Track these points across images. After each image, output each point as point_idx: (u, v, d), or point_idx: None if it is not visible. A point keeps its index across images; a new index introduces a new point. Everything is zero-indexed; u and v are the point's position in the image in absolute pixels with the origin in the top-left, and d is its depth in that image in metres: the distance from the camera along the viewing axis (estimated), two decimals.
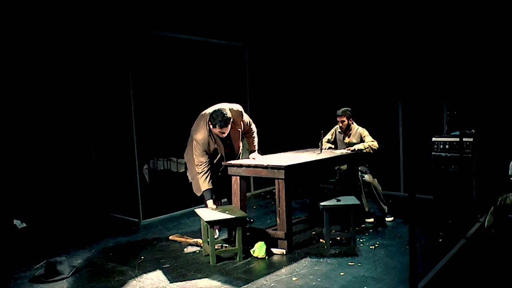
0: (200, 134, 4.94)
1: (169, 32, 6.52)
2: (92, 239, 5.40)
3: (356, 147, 5.81)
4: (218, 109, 4.81)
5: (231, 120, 4.86)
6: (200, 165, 4.95)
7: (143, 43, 6.56)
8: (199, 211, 4.88)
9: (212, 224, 4.46)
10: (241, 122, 5.15)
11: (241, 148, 5.45)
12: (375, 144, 5.84)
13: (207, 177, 4.94)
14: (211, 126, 4.85)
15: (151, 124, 7.03)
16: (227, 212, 4.69)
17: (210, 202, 4.96)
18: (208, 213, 4.71)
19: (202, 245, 4.94)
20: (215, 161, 5.17)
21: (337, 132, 6.18)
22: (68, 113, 6.56)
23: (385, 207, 5.83)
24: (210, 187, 4.95)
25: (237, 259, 4.57)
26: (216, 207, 4.95)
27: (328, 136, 6.22)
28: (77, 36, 6.43)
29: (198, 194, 5.20)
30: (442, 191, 6.16)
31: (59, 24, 6.20)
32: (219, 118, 4.74)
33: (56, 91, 6.38)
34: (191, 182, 5.32)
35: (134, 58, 6.13)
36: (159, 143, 7.32)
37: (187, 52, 7.18)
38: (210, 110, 4.97)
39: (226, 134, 4.89)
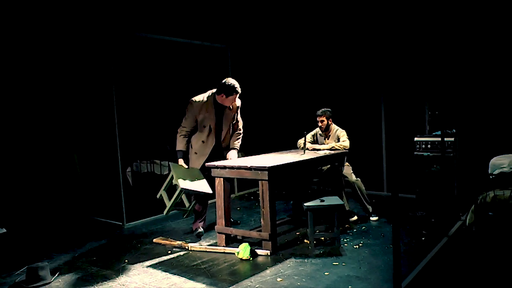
0: (198, 98, 5.33)
1: (152, 34, 6.49)
2: (75, 244, 5.34)
3: (321, 147, 5.92)
4: (225, 81, 5.25)
5: None
6: (183, 128, 5.33)
7: (127, 44, 6.52)
8: (175, 168, 5.11)
9: (186, 192, 4.93)
10: (236, 113, 5.53)
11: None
12: (343, 144, 5.86)
13: (184, 139, 5.35)
14: (223, 97, 5.25)
15: (134, 126, 6.97)
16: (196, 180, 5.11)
17: (181, 161, 5.32)
18: (184, 176, 4.99)
19: (186, 247, 4.95)
20: (205, 139, 5.38)
21: (318, 135, 6.21)
22: (49, 114, 6.48)
23: (369, 207, 5.87)
24: (184, 149, 5.37)
25: (185, 216, 5.18)
26: (187, 168, 5.30)
27: (308, 137, 6.20)
28: (59, 36, 6.36)
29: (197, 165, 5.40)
30: (425, 190, 6.22)
31: (43, 23, 6.13)
32: (232, 85, 5.22)
33: (36, 92, 6.30)
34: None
35: (117, 59, 6.08)
36: (143, 145, 7.26)
37: (170, 53, 7.14)
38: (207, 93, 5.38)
39: (235, 103, 5.39)
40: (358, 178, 5.88)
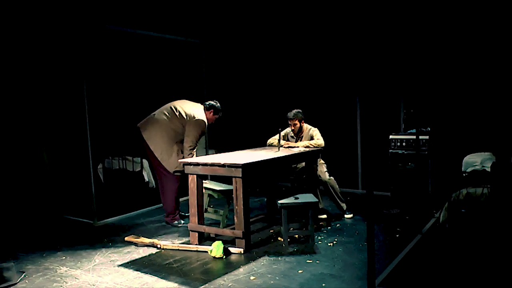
0: (204, 116, 5.78)
1: (124, 27, 6.40)
2: (43, 243, 5.24)
3: (296, 144, 5.91)
4: (215, 102, 5.90)
5: None
6: (195, 147, 5.69)
7: (97, 37, 6.41)
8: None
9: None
10: None
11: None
12: (318, 143, 5.84)
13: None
14: (210, 115, 5.85)
15: (106, 122, 6.88)
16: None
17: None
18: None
19: (158, 245, 4.91)
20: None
21: (289, 136, 6.18)
22: (17, 108, 6.32)
23: (343, 205, 5.90)
24: None
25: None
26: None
27: (276, 137, 6.06)
28: (27, 28, 6.21)
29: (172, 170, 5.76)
30: (399, 187, 6.29)
31: (9, 13, 5.98)
32: (219, 108, 5.90)
33: (2, 85, 6.14)
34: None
35: (88, 52, 5.98)
36: (114, 141, 7.17)
37: (142, 47, 7.06)
38: (193, 107, 5.80)
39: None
40: (331, 177, 5.89)
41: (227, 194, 5.46)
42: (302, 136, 6.07)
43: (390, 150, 6.37)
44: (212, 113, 5.85)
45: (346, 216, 5.91)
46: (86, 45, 5.90)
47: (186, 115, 5.66)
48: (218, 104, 5.89)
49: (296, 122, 5.95)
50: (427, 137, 6.07)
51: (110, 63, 6.84)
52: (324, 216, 5.87)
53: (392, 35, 6.82)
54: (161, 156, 5.67)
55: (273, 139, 6.11)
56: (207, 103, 5.89)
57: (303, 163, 5.95)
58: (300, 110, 6.01)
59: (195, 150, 5.69)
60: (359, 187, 7.45)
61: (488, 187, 4.54)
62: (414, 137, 5.93)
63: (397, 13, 6.67)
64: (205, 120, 5.74)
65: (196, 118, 5.65)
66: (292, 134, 6.13)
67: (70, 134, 6.47)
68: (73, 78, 6.00)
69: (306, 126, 6.09)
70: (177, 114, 5.68)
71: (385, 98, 7.06)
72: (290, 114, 5.96)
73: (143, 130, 5.72)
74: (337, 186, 5.88)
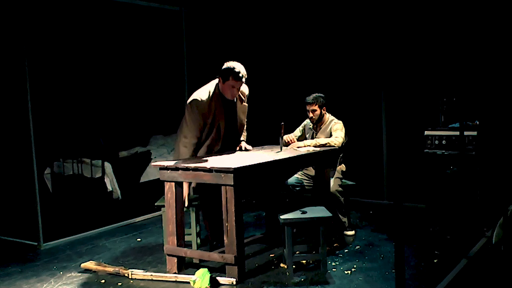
0: (202, 95, 5.26)
1: None
2: None
3: (304, 142, 5.90)
4: (225, 63, 5.30)
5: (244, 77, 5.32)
6: (184, 139, 5.24)
7: (42, 4, 6.37)
8: None
9: None
10: (245, 100, 5.65)
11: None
12: (334, 140, 5.82)
13: (188, 153, 5.24)
14: (221, 85, 5.27)
15: (56, 113, 6.85)
16: None
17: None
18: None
19: (126, 274, 4.89)
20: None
21: (308, 128, 6.21)
22: None
23: (345, 219, 6.01)
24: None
25: None
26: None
27: (297, 132, 6.25)
28: None
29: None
30: (438, 198, 6.27)
31: None
32: (229, 67, 5.21)
33: None
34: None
35: (32, 22, 5.94)
36: (67, 139, 7.15)
37: (105, 17, 7.03)
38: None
39: (238, 91, 5.36)
40: (340, 189, 5.92)
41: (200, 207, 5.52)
42: (322, 128, 6.08)
43: (426, 150, 6.38)
44: (222, 81, 5.28)
45: (346, 233, 6.01)
46: (29, 11, 5.84)
47: None
48: (230, 64, 5.26)
49: (316, 108, 5.97)
50: (474, 133, 6.06)
51: (62, 36, 6.79)
52: (353, 232, 6.01)
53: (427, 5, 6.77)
54: None
55: (288, 137, 6.07)
56: None
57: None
58: (322, 94, 6.03)
59: (182, 143, 5.28)
60: (385, 198, 7.44)
61: None
62: (458, 133, 5.91)
63: None
64: (195, 98, 5.23)
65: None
66: (311, 126, 6.15)
67: (7, 129, 6.44)
68: (11, 57, 5.96)
69: (328, 117, 6.11)
70: None
71: (419, 83, 7.01)
72: (309, 98, 6.00)
73: None
74: (343, 199, 5.94)
